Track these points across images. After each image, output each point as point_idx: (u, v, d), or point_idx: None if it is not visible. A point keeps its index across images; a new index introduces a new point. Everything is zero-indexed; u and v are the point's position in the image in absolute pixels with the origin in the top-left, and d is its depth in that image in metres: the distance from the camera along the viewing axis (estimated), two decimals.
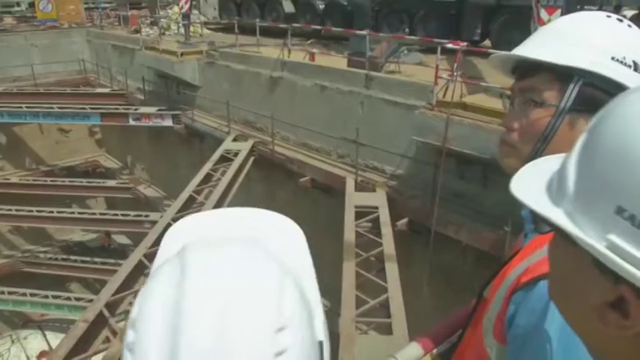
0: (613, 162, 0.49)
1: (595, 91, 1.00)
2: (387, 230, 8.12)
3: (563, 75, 1.02)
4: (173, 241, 0.64)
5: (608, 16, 1.05)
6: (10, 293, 15.41)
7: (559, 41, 1.05)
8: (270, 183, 12.45)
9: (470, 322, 1.20)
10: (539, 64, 1.05)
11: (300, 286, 0.57)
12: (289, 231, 0.69)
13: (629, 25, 1.03)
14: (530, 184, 0.60)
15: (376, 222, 8.43)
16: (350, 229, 8.15)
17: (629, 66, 0.99)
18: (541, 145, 1.05)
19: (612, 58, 0.99)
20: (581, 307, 0.56)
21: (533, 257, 0.99)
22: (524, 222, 1.14)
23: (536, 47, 1.07)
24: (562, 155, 0.61)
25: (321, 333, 0.57)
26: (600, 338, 0.56)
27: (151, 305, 0.52)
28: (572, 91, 1.01)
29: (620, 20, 1.04)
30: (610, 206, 0.48)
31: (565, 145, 1.02)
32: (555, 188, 0.57)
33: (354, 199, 9.15)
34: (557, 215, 0.54)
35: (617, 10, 12.54)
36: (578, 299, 0.57)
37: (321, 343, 0.56)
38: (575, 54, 1.01)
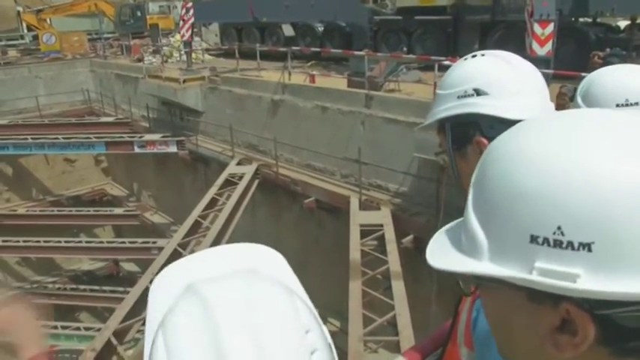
0: (508, 202, 0.54)
1: (462, 127, 1.22)
2: (392, 248, 8.12)
3: (441, 127, 1.27)
4: (167, 287, 0.69)
5: (465, 59, 1.25)
6: None
7: (432, 107, 1.29)
8: (275, 205, 12.48)
9: (449, 338, 1.25)
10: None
11: (302, 298, 0.64)
12: (270, 256, 0.74)
13: (482, 54, 1.23)
14: (442, 251, 0.65)
15: (381, 240, 8.44)
16: (355, 248, 8.15)
17: (472, 95, 1.19)
18: (457, 181, 1.27)
19: (458, 97, 1.20)
20: (532, 347, 0.57)
21: None
22: None
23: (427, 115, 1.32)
24: (458, 220, 0.68)
25: (328, 337, 0.63)
26: None
27: (184, 345, 0.55)
28: (448, 135, 1.25)
29: (474, 56, 1.24)
30: (524, 239, 0.52)
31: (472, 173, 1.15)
32: (467, 245, 0.60)
33: (358, 217, 9.16)
34: (484, 267, 0.57)
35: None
36: (526, 339, 0.58)
37: (330, 345, 0.62)
38: (437, 108, 1.25)
